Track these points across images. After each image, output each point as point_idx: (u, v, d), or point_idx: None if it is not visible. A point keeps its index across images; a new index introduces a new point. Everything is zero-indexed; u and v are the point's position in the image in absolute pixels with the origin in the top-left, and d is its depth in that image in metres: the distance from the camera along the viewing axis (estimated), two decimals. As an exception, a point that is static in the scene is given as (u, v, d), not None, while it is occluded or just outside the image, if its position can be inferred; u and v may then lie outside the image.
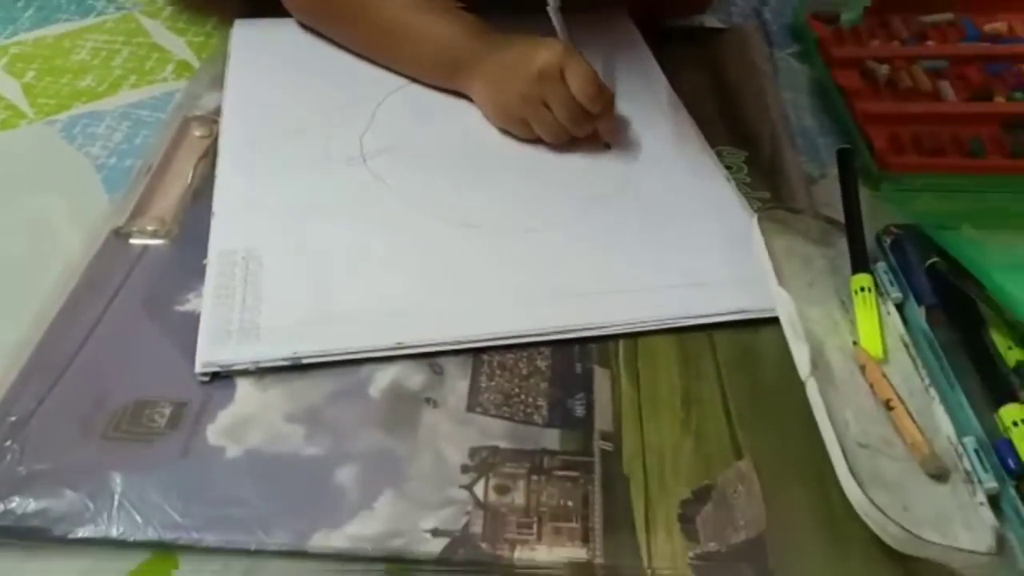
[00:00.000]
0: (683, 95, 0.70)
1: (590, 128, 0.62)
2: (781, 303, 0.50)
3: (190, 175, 0.60)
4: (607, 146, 0.64)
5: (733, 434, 0.46)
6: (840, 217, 0.58)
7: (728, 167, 0.63)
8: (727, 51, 0.77)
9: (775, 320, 0.50)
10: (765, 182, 0.62)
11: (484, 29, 0.64)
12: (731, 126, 0.68)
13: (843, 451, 0.42)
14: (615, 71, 0.72)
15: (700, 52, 0.77)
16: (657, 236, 0.57)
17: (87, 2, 0.80)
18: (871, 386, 0.48)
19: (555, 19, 0.63)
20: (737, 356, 0.50)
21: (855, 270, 0.53)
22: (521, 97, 0.61)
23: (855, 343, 0.50)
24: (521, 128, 0.63)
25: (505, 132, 0.64)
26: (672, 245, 0.56)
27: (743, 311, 0.51)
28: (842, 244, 0.56)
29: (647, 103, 0.69)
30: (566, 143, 0.63)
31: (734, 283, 0.53)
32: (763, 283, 0.52)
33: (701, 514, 0.43)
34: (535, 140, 0.63)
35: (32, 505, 0.41)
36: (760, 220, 0.54)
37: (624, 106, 0.67)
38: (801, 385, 0.47)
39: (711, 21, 0.82)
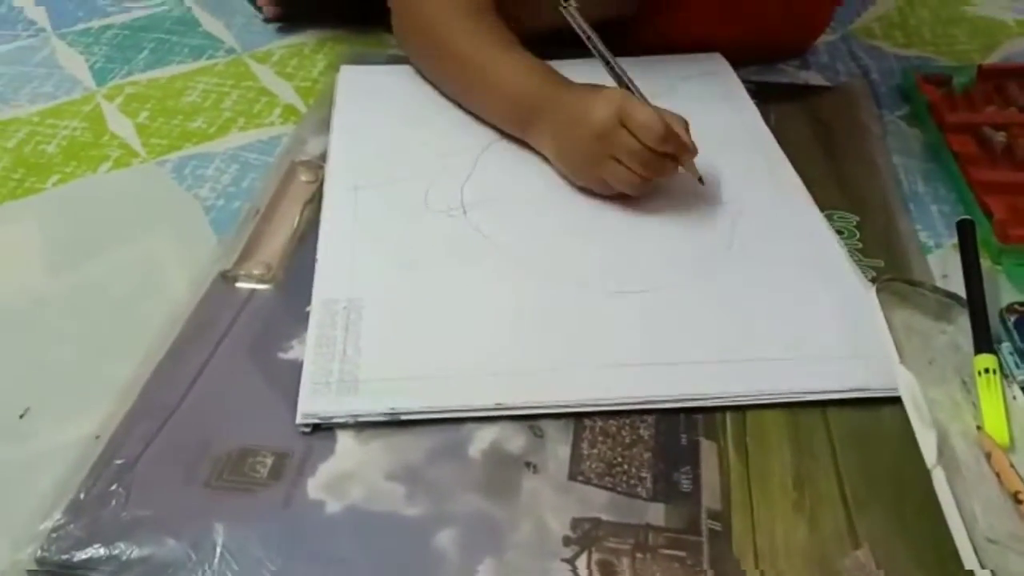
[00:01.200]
0: (788, 152, 0.68)
1: (671, 168, 0.60)
2: (904, 383, 0.47)
3: (296, 220, 0.61)
4: (700, 181, 0.61)
5: (850, 520, 0.44)
6: (957, 290, 0.55)
7: (839, 231, 0.61)
8: (834, 110, 0.75)
9: (894, 399, 0.48)
10: (878, 250, 0.60)
11: (547, 78, 0.63)
12: (840, 188, 0.66)
13: (974, 547, 0.40)
14: (718, 124, 0.71)
15: (805, 110, 0.75)
16: (766, 302, 0.55)
17: (199, 45, 0.83)
18: (997, 475, 0.45)
19: (604, 58, 0.62)
20: (853, 435, 0.48)
21: (978, 350, 0.51)
22: (589, 158, 0.60)
23: (979, 428, 0.48)
24: (600, 187, 0.62)
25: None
26: (782, 312, 0.54)
27: (860, 389, 0.49)
28: (962, 320, 0.53)
29: (751, 158, 0.67)
30: (650, 189, 0.61)
31: (850, 357, 0.51)
32: (880, 358, 0.50)
33: (818, 606, 0.40)
34: (622, 195, 0.62)
35: (136, 552, 0.41)
36: (879, 292, 0.52)
37: (727, 160, 0.65)
38: (922, 469, 0.45)
39: (816, 79, 0.81)
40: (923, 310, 0.54)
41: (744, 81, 0.76)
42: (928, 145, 0.72)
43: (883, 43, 0.86)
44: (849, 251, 0.59)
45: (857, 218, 0.63)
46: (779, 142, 0.69)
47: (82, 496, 0.43)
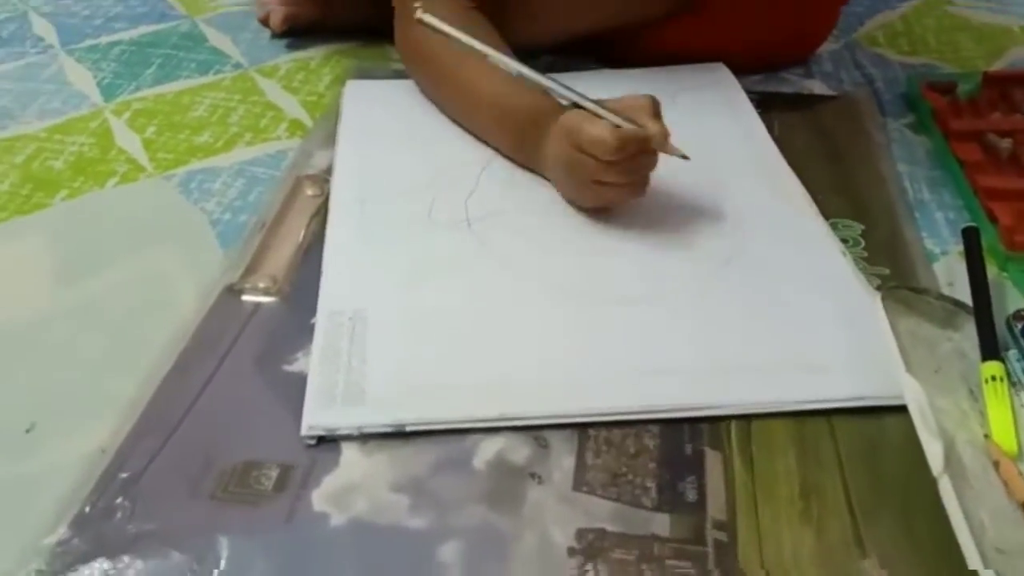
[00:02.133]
0: (792, 162, 0.68)
1: (649, 162, 0.58)
2: (910, 392, 0.47)
3: (302, 233, 0.61)
4: (684, 158, 0.58)
5: (857, 529, 0.44)
6: (963, 298, 0.55)
7: (843, 240, 0.61)
8: (838, 118, 0.75)
9: (900, 408, 0.48)
10: (883, 258, 0.60)
11: (540, 107, 0.63)
12: (844, 197, 0.66)
13: (982, 557, 0.40)
14: (721, 134, 0.71)
15: (809, 119, 0.75)
16: (770, 311, 0.55)
17: (206, 60, 0.84)
18: (1005, 484, 0.45)
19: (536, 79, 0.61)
20: (860, 445, 0.47)
21: (985, 358, 0.50)
22: (578, 189, 0.61)
23: (986, 436, 0.47)
24: (606, 205, 0.62)
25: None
26: (786, 321, 0.54)
27: (866, 398, 0.49)
28: (968, 328, 0.53)
29: (755, 168, 0.67)
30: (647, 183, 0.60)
31: (855, 366, 0.51)
32: (886, 367, 0.49)
33: (825, 617, 0.40)
34: (626, 207, 0.62)
35: (140, 565, 0.41)
36: (884, 300, 0.52)
37: (730, 171, 0.66)
38: (930, 478, 0.44)
39: (820, 87, 0.81)
40: (929, 318, 0.53)
41: (747, 91, 0.76)
42: (933, 152, 0.72)
43: (887, 51, 0.86)
44: (854, 259, 0.59)
45: (862, 226, 0.63)
46: (783, 151, 0.69)
47: (87, 510, 0.44)
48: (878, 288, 0.55)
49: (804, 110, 0.76)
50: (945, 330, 0.53)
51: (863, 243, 0.61)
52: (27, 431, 0.49)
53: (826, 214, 0.63)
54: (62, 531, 0.42)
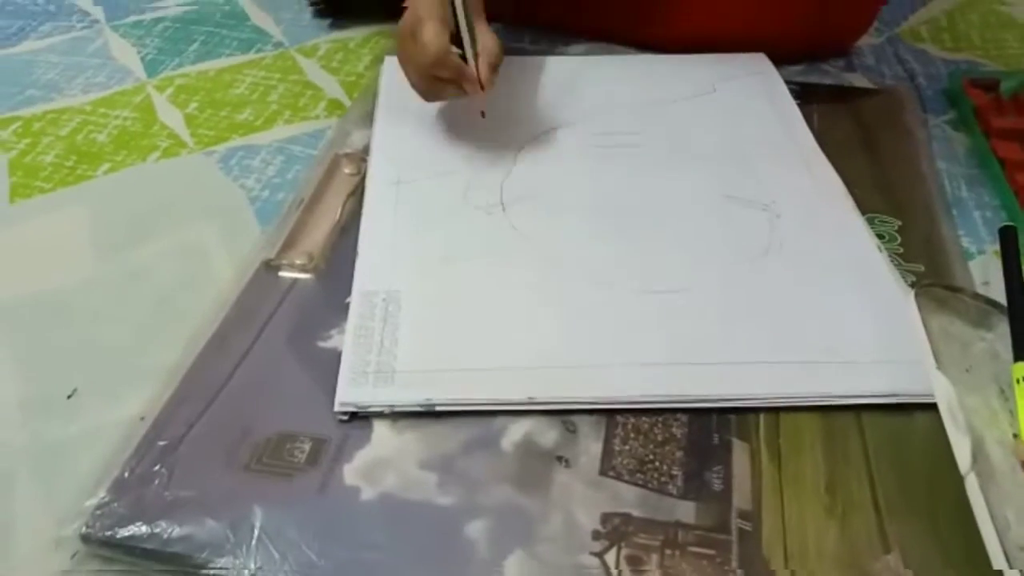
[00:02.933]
0: (831, 155, 0.67)
1: (446, 92, 0.63)
2: (940, 389, 0.47)
3: (339, 211, 0.62)
4: (482, 115, 0.64)
5: (881, 525, 0.44)
6: (998, 297, 0.54)
7: (880, 235, 0.60)
8: (878, 113, 0.74)
9: (929, 405, 0.48)
10: (919, 255, 0.59)
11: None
12: (882, 192, 0.65)
13: (1006, 555, 0.40)
14: (759, 124, 0.70)
15: (849, 112, 0.75)
16: (802, 304, 0.55)
17: (248, 38, 0.85)
18: (1033, 485, 0.45)
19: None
20: (887, 441, 0.48)
21: (1017, 358, 0.50)
22: (397, 52, 0.64)
23: (1015, 436, 0.47)
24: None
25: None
26: (819, 315, 0.54)
27: (896, 394, 0.49)
28: (1002, 328, 0.52)
29: (792, 160, 0.67)
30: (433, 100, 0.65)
31: (886, 362, 0.51)
32: (917, 364, 0.49)
33: (846, 609, 0.40)
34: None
35: (176, 531, 0.42)
36: (918, 297, 0.52)
37: (767, 161, 0.65)
38: (956, 476, 0.44)
39: (861, 81, 0.80)
40: (962, 316, 0.53)
41: (788, 82, 0.76)
42: (973, 150, 0.71)
43: (930, 46, 0.85)
44: (889, 256, 0.59)
45: (899, 222, 0.62)
46: (821, 144, 0.68)
47: (126, 475, 0.45)
48: (912, 285, 0.55)
49: (844, 103, 0.76)
50: (978, 329, 0.53)
51: (899, 239, 0.61)
52: (68, 397, 0.50)
53: (863, 209, 0.62)
54: (102, 494, 0.44)
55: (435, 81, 0.62)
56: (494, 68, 0.62)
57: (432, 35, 0.59)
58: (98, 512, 0.43)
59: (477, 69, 0.61)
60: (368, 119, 0.71)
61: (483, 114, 0.64)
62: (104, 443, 0.47)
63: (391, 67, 0.77)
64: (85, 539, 0.42)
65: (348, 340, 0.52)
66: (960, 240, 0.62)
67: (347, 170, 0.66)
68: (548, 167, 0.66)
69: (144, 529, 0.42)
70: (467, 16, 0.61)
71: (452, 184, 0.64)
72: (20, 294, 0.56)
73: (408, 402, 0.49)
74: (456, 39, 0.61)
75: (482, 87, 0.62)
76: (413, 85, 0.64)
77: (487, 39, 0.62)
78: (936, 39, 0.86)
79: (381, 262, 0.57)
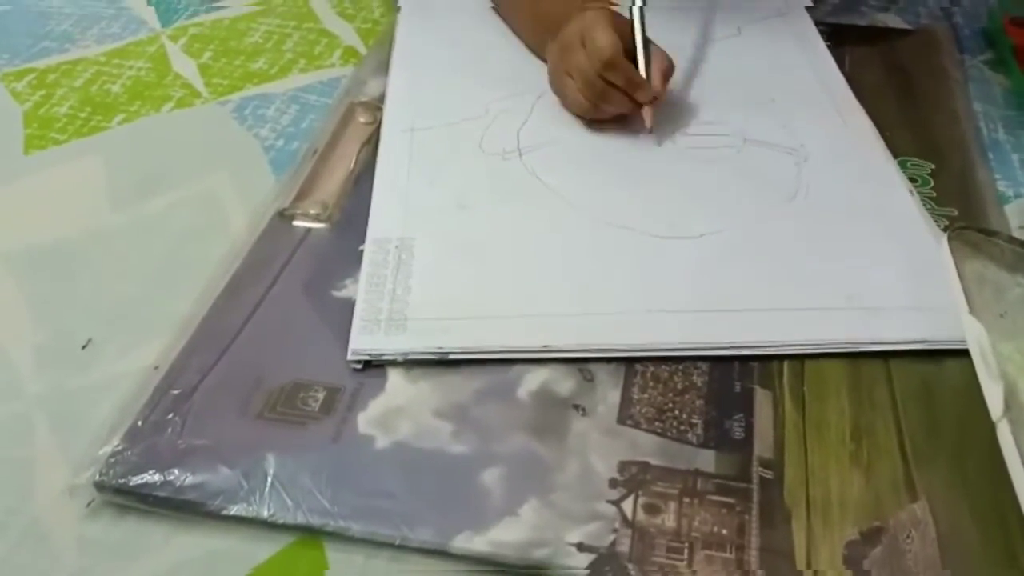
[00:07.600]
0: (862, 98, 0.65)
1: (617, 99, 0.59)
2: (972, 335, 0.45)
3: (353, 160, 0.61)
4: (649, 131, 0.60)
5: (908, 473, 0.42)
6: (1037, 242, 0.52)
7: (912, 179, 0.58)
8: (913, 54, 0.72)
9: (960, 351, 0.46)
10: (953, 198, 0.57)
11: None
12: (916, 135, 0.63)
13: (1037, 505, 0.38)
14: (787, 67, 0.68)
15: (883, 53, 0.72)
16: (830, 250, 0.53)
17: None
18: (1068, 433, 0.43)
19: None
20: (916, 387, 0.46)
21: (1055, 303, 0.48)
22: (554, 71, 0.62)
23: (1051, 384, 0.45)
24: (562, 101, 0.63)
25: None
26: (847, 261, 0.52)
27: (925, 340, 0.47)
28: (1039, 273, 0.50)
29: (821, 103, 0.65)
30: (602, 117, 0.61)
31: (916, 308, 0.49)
32: (948, 310, 0.47)
33: (870, 557, 0.39)
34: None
35: (189, 479, 0.42)
36: (951, 241, 0.50)
37: (795, 105, 0.63)
38: (987, 425, 0.43)
39: (896, 21, 0.77)
40: (997, 261, 0.51)
41: (819, 23, 0.73)
42: (1012, 91, 0.68)
43: (969, -17, 0.81)
44: (922, 199, 0.56)
45: (932, 166, 0.60)
46: (853, 86, 0.66)
47: (140, 424, 0.44)
48: (945, 229, 0.53)
49: (878, 44, 0.73)
50: (1014, 275, 0.51)
51: (932, 183, 0.59)
52: (83, 347, 0.50)
53: (895, 152, 0.60)
54: (116, 442, 0.44)
55: (604, 88, 0.58)
56: (667, 79, 0.60)
57: (607, 38, 0.56)
58: (112, 460, 0.43)
59: (649, 79, 0.59)
60: (384, 67, 0.70)
61: (651, 129, 0.60)
62: (118, 392, 0.46)
63: (408, 16, 0.75)
64: (99, 487, 0.42)
65: (361, 288, 0.51)
66: (996, 184, 0.59)
67: (362, 119, 0.64)
68: (567, 114, 0.64)
69: (157, 477, 0.42)
70: (643, 25, 0.59)
71: (468, 131, 0.62)
72: (35, 245, 0.56)
73: (421, 350, 0.48)
74: (625, 55, 0.58)
75: (655, 97, 0.59)
76: (573, 101, 0.61)
77: (658, 50, 0.60)
78: (975, -25, 0.82)
79: (394, 210, 0.56)
